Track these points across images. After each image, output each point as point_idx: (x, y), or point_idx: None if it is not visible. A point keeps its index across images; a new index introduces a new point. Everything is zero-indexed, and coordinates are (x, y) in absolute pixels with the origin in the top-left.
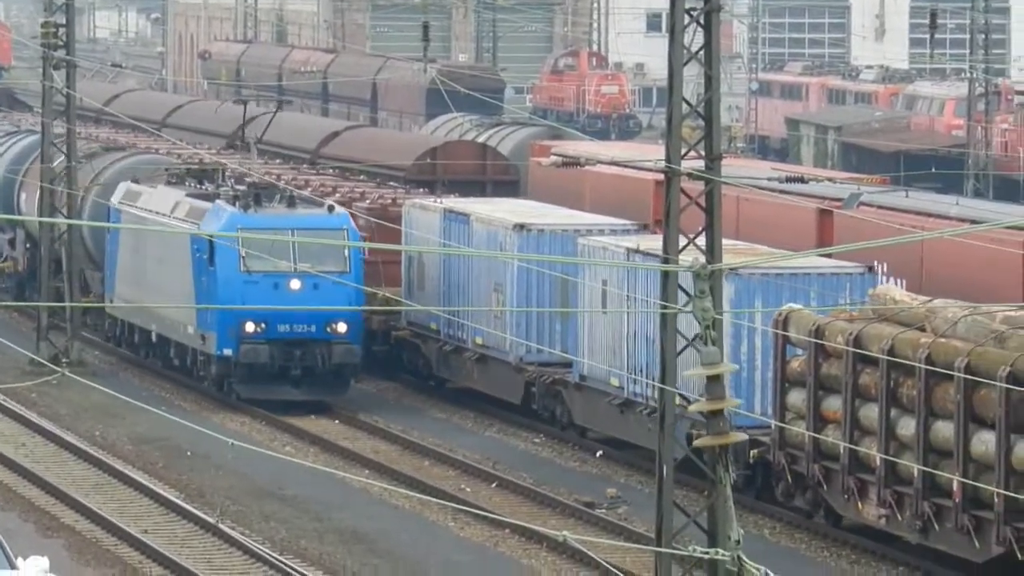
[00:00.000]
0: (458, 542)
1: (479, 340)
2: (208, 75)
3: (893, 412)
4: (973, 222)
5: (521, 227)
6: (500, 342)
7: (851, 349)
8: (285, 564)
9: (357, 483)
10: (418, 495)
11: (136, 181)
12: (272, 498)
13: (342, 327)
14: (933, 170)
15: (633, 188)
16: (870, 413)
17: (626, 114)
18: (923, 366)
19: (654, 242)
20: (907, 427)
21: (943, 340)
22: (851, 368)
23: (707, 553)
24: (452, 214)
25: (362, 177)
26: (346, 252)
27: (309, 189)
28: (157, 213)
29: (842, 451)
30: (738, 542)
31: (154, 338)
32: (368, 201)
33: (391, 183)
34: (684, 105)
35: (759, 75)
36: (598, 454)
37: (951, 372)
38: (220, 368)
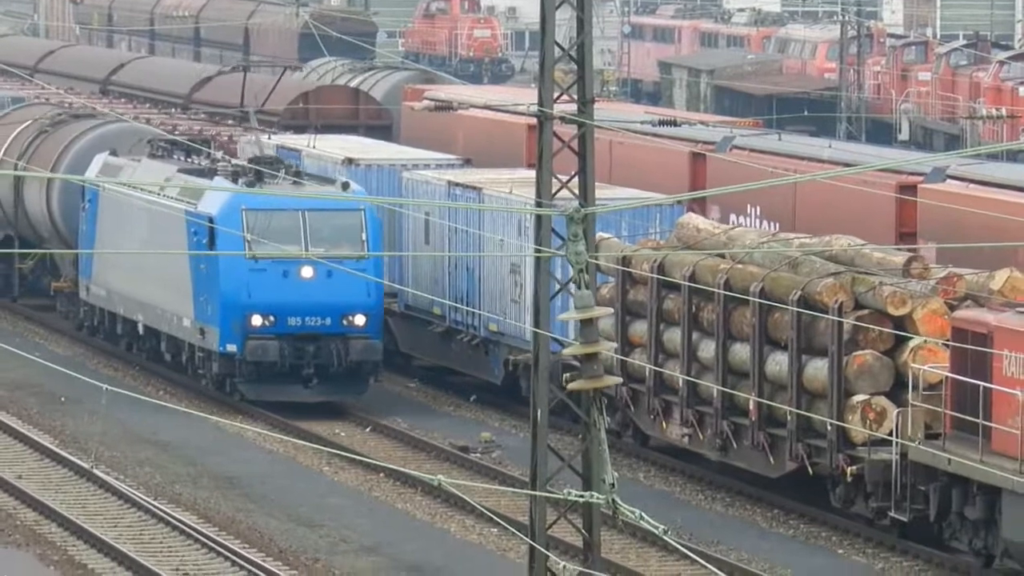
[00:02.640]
0: (332, 486)
1: None
2: (80, 20)
3: (695, 335)
4: (845, 165)
5: (349, 161)
6: None
7: (656, 276)
8: (160, 509)
9: (231, 428)
10: (292, 439)
11: (114, 153)
12: (146, 443)
13: (360, 320)
14: (806, 113)
15: (506, 132)
16: (673, 337)
17: (498, 58)
18: (721, 291)
19: (474, 175)
20: (707, 350)
21: (740, 266)
22: (656, 294)
23: (582, 496)
24: (284, 150)
25: (230, 122)
26: (364, 235)
27: (177, 132)
28: (143, 191)
29: (648, 373)
30: (612, 485)
31: (140, 330)
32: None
33: (264, 128)
34: (556, 49)
35: (631, 18)
36: (472, 399)
37: (747, 297)
38: (222, 366)
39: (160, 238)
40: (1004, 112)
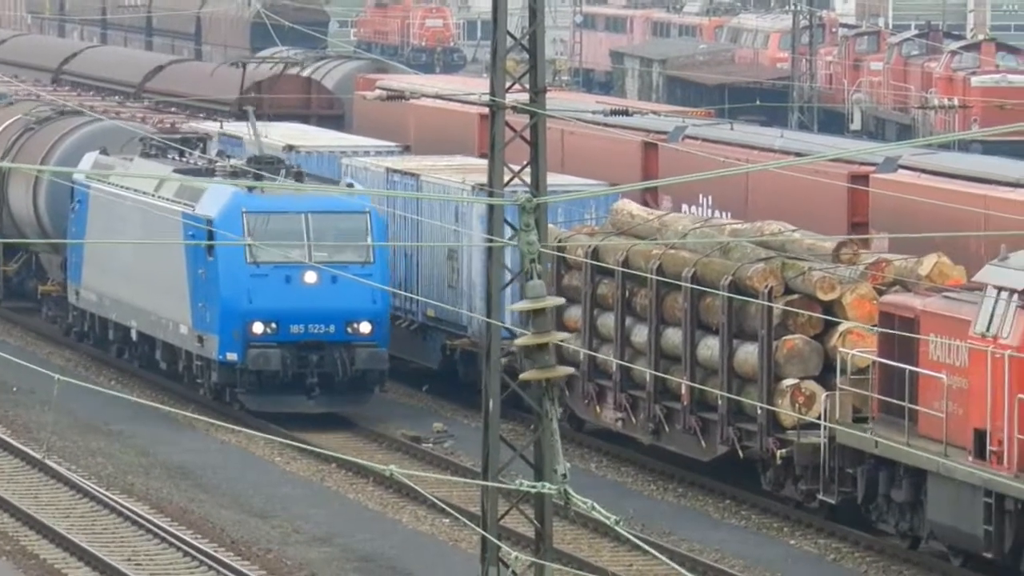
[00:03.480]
0: (284, 477)
1: None
2: (32, 9)
3: (628, 320)
4: (797, 154)
5: (290, 148)
6: None
7: (590, 261)
8: (112, 499)
9: (183, 418)
10: (245, 430)
11: (105, 152)
12: (98, 433)
13: (366, 327)
14: (758, 103)
15: (458, 122)
16: (607, 322)
17: (450, 47)
18: (654, 276)
19: (412, 162)
20: (640, 334)
21: (672, 252)
22: (590, 279)
23: (534, 487)
24: (226, 137)
25: (174, 110)
26: (369, 238)
27: (128, 116)
28: (137, 191)
29: (582, 358)
30: (565, 475)
31: (134, 336)
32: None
33: (216, 117)
34: (508, 38)
35: (583, 8)
36: (424, 388)
37: (679, 282)
38: (222, 375)
39: (157, 240)
40: (956, 102)
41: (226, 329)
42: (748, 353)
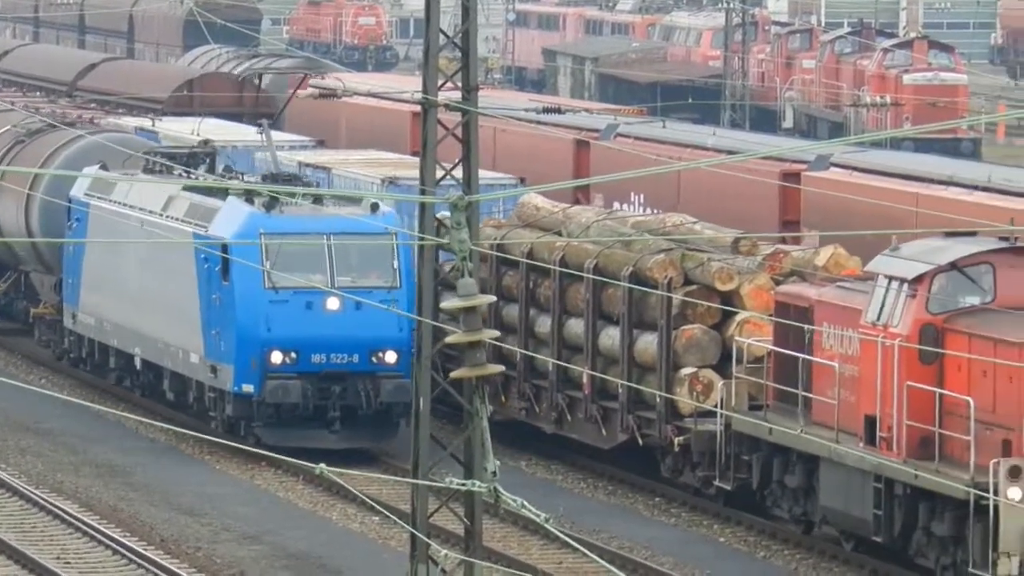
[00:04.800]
0: (214, 475)
1: None
2: None
3: (532, 311)
4: (730, 152)
5: (206, 142)
6: None
7: (495, 253)
8: (41, 497)
9: (112, 416)
10: (174, 428)
11: (104, 167)
12: (28, 432)
13: (391, 357)
14: (690, 101)
15: (390, 120)
16: (512, 312)
17: (383, 46)
18: (557, 268)
19: (324, 156)
20: (544, 325)
21: (575, 244)
22: (495, 271)
23: (464, 485)
24: (143, 132)
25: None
26: (395, 262)
27: (59, 113)
28: (143, 210)
29: (487, 348)
30: (494, 474)
31: (138, 364)
32: None
33: (149, 115)
34: (441, 36)
35: (516, 6)
36: None
37: (581, 273)
38: (237, 408)
39: (163, 263)
40: (888, 100)
41: (242, 359)
42: (648, 343)
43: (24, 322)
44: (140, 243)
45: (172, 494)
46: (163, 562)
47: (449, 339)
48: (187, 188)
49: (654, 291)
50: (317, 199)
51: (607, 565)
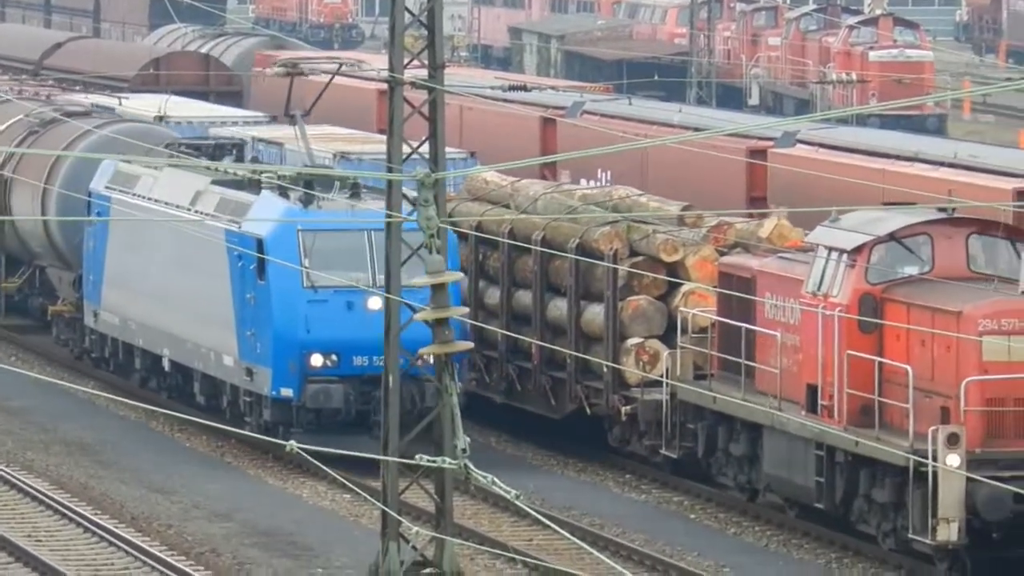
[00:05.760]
0: (185, 452)
1: None
2: None
3: (481, 283)
4: (696, 129)
5: (160, 119)
6: None
7: (448, 228)
8: (11, 475)
9: (83, 394)
10: (144, 406)
11: (126, 160)
12: None
13: None
14: (656, 78)
15: (356, 98)
16: (462, 285)
17: (349, 24)
18: (506, 240)
19: (279, 132)
20: (493, 296)
21: (524, 216)
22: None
23: (434, 462)
24: (99, 108)
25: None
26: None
27: (27, 92)
28: (168, 204)
29: None
30: (465, 450)
31: (166, 365)
32: None
33: (116, 95)
34: (407, 14)
35: None
36: None
37: (529, 245)
38: (275, 413)
39: (193, 260)
40: (854, 77)
41: (280, 361)
42: (595, 314)
43: (39, 319)
44: (169, 239)
45: (142, 472)
46: (134, 540)
47: (417, 316)
48: (216, 183)
49: (600, 263)
50: (355, 192)
51: (578, 542)
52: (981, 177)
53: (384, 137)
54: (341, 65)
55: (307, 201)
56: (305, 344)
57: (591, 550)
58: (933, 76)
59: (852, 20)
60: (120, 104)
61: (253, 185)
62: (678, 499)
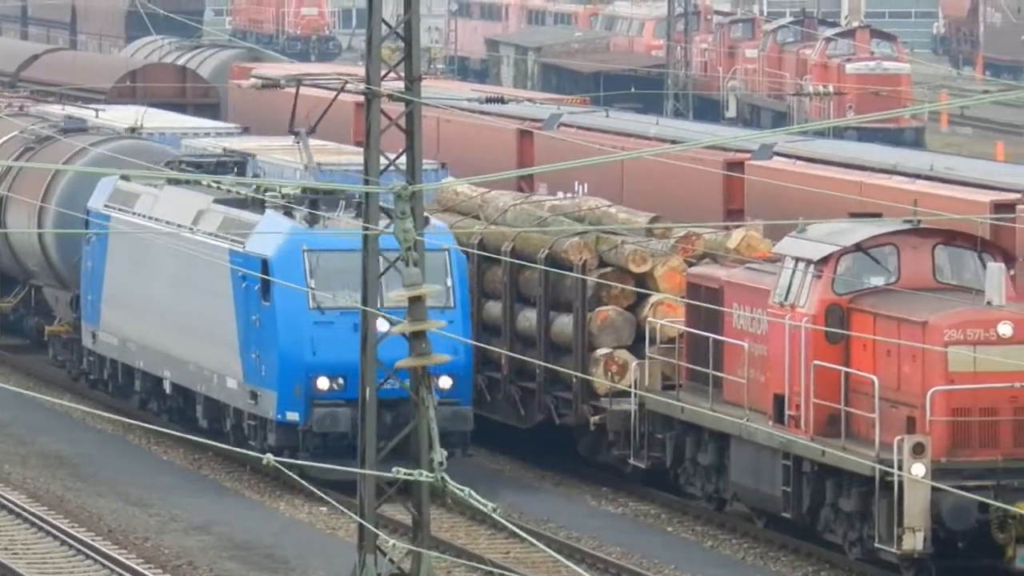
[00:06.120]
0: (162, 465)
1: None
2: None
3: None
4: (673, 142)
5: (132, 130)
6: None
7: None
8: None
9: (60, 407)
10: (121, 419)
11: (125, 178)
12: None
13: (446, 382)
14: (633, 90)
15: (334, 110)
16: None
17: (326, 36)
18: (475, 251)
19: (249, 143)
20: None
21: (493, 227)
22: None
23: (411, 474)
24: (72, 120)
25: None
26: (449, 280)
27: (5, 105)
28: (170, 224)
29: None
30: (441, 463)
31: (167, 388)
32: None
33: (92, 107)
34: (384, 26)
35: None
36: None
37: (499, 256)
38: (281, 438)
39: (195, 281)
40: (831, 89)
41: (286, 385)
42: (564, 324)
43: (34, 339)
44: (171, 259)
45: (119, 484)
46: (111, 552)
47: (394, 329)
48: (219, 201)
49: (569, 273)
50: (359, 211)
51: (555, 555)
52: (958, 190)
53: (357, 149)
54: (346, 83)
55: (312, 221)
56: (311, 367)
57: (568, 563)
58: (910, 88)
59: (829, 32)
60: (96, 116)
61: (256, 204)
62: (655, 512)
